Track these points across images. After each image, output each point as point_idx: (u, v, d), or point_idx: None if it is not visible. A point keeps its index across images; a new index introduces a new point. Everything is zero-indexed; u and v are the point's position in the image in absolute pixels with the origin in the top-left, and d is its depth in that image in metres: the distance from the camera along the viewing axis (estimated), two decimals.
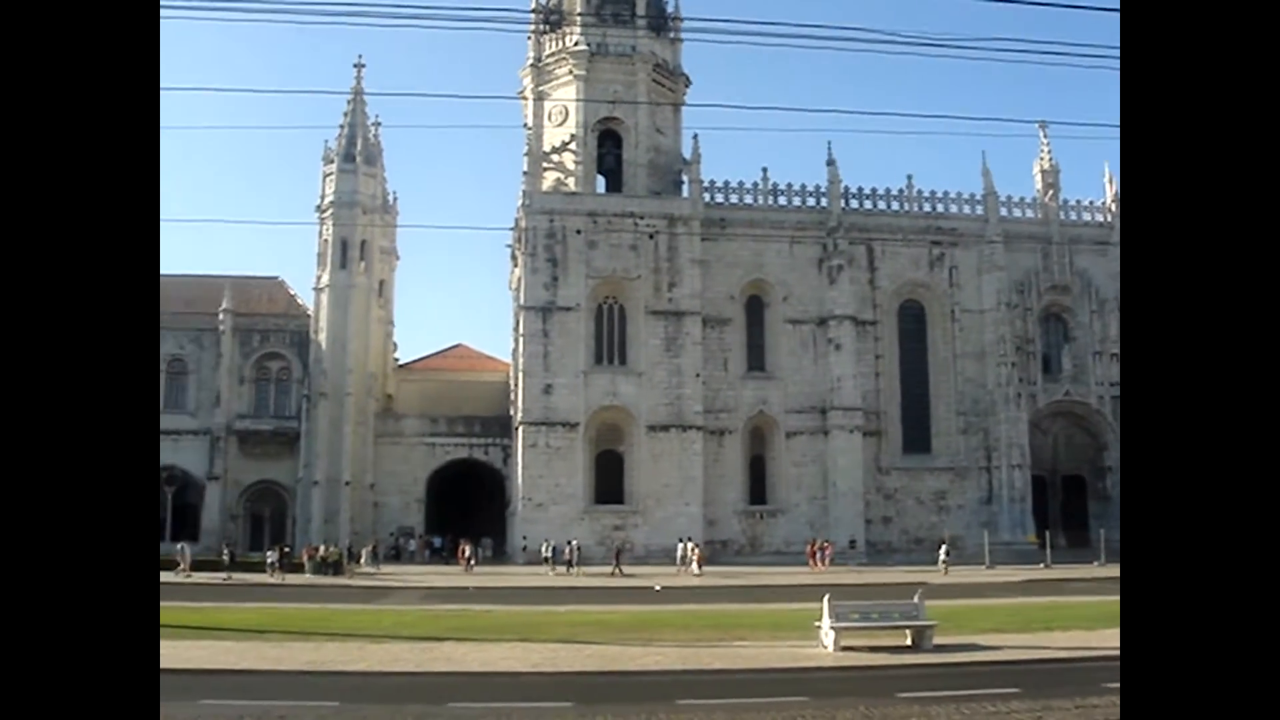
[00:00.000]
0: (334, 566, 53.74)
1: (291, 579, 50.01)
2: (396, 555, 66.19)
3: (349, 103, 75.73)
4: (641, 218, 67.62)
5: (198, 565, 52.62)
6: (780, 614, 30.13)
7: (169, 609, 32.24)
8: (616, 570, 54.20)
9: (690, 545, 56.92)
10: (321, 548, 57.65)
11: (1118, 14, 6.76)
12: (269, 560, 52.70)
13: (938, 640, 23.24)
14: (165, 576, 48.26)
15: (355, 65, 77.34)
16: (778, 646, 23.71)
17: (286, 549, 58.79)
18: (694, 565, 54.34)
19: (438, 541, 68.09)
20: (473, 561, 56.59)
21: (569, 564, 55.76)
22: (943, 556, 56.04)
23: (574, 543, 57.59)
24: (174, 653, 22.03)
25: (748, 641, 24.45)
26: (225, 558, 52.78)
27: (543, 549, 59.06)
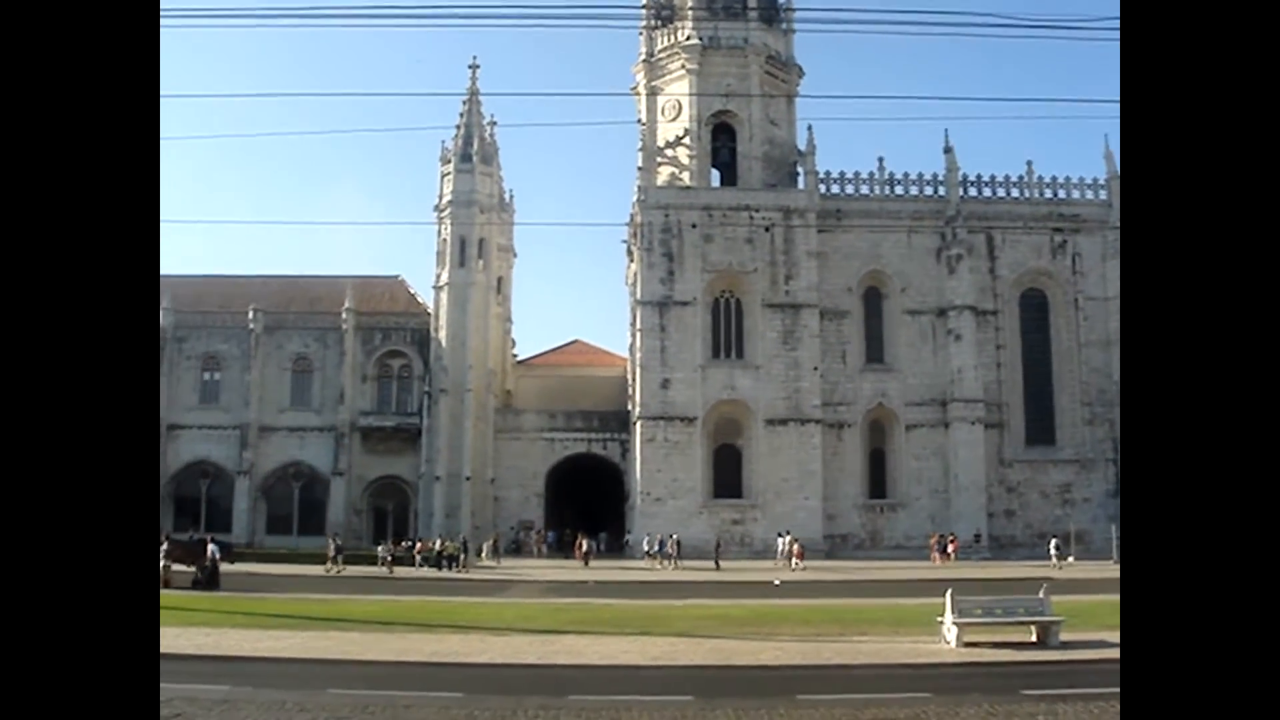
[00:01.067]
0: (450, 560, 54.35)
1: (400, 572, 50.70)
2: (517, 549, 66.87)
3: (464, 103, 76.61)
4: (757, 210, 67.33)
5: (320, 559, 53.41)
6: (901, 609, 29.78)
7: (300, 600, 33.21)
8: (715, 564, 54.24)
9: (789, 539, 56.76)
10: (436, 541, 58.34)
11: None
12: (380, 555, 53.53)
13: (1065, 636, 22.72)
14: (308, 570, 49.62)
15: (470, 66, 78.22)
16: (899, 642, 23.42)
17: (407, 543, 59.77)
18: (793, 560, 54.05)
19: (552, 536, 68.70)
20: (590, 555, 56.87)
21: (671, 558, 56.26)
22: (1053, 552, 55.05)
23: (675, 537, 57.96)
24: (303, 643, 22.62)
25: (868, 636, 24.20)
26: (331, 551, 53.49)
27: (645, 543, 59.38)
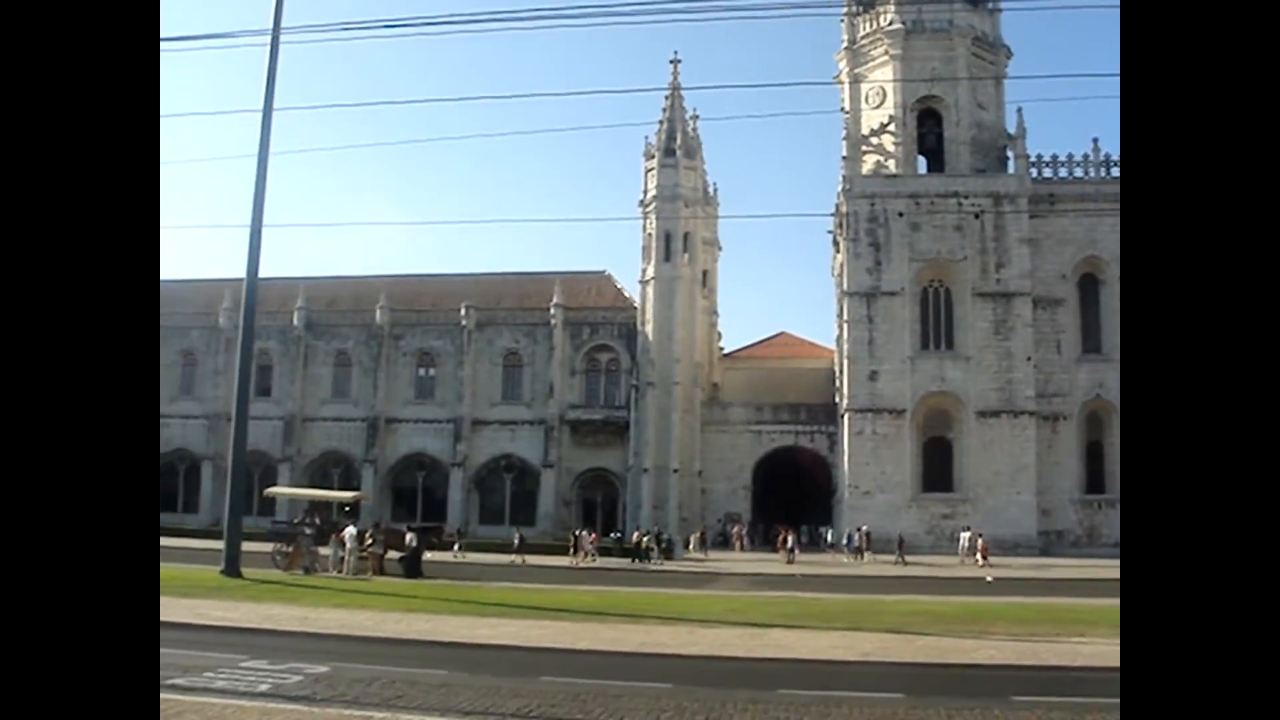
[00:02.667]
0: (642, 553, 54.85)
1: (600, 563, 51.47)
2: (724, 541, 66.97)
3: (666, 98, 77.08)
4: (965, 197, 65.74)
5: (530, 549, 54.61)
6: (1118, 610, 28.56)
7: (512, 590, 34.04)
8: (900, 559, 53.37)
9: (971, 535, 55.47)
10: (636, 534, 58.93)
11: None
12: (583, 545, 54.50)
13: None
14: (555, 560, 50.89)
15: (671, 61, 78.62)
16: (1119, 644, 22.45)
17: (615, 534, 60.62)
18: (978, 557, 52.61)
19: (754, 528, 68.67)
20: (794, 549, 56.54)
21: (859, 551, 56.25)
22: None
23: (863, 529, 57.93)
24: (517, 631, 23.16)
25: (1087, 638, 23.30)
26: (515, 541, 54.89)
27: (840, 537, 59.09)
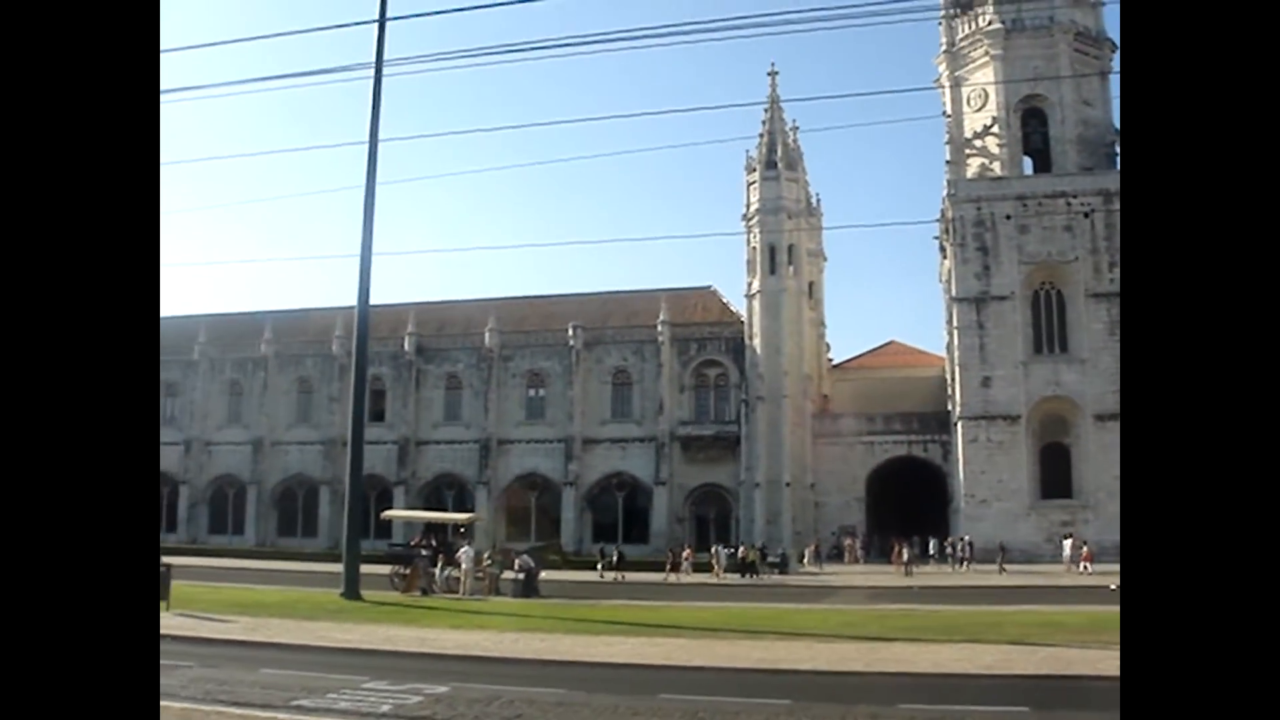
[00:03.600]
0: (747, 568, 54.83)
1: (676, 578, 51.44)
2: (839, 554, 66.30)
3: (766, 111, 76.88)
4: (1074, 197, 64.42)
5: (640, 567, 54.97)
6: None
7: (628, 607, 34.06)
8: (1000, 568, 52.48)
9: (1075, 542, 54.27)
10: (741, 548, 58.90)
11: None
12: (677, 562, 54.74)
13: None
14: (638, 577, 51.01)
15: (769, 74, 78.42)
16: None
17: (729, 549, 60.41)
18: (1082, 564, 51.31)
19: (869, 540, 67.96)
20: (911, 561, 55.63)
21: (964, 560, 55.95)
22: None
23: (966, 539, 57.59)
24: (633, 649, 23.16)
25: None
26: (613, 557, 55.45)
27: (950, 548, 58.38)
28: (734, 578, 52.94)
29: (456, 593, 40.23)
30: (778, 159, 75.66)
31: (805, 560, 61.50)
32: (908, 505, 70.29)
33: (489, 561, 43.07)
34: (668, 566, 53.60)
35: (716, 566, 54.09)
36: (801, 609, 34.08)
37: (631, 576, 52.46)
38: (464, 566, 41.24)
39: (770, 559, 57.65)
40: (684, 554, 57.11)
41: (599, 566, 54.48)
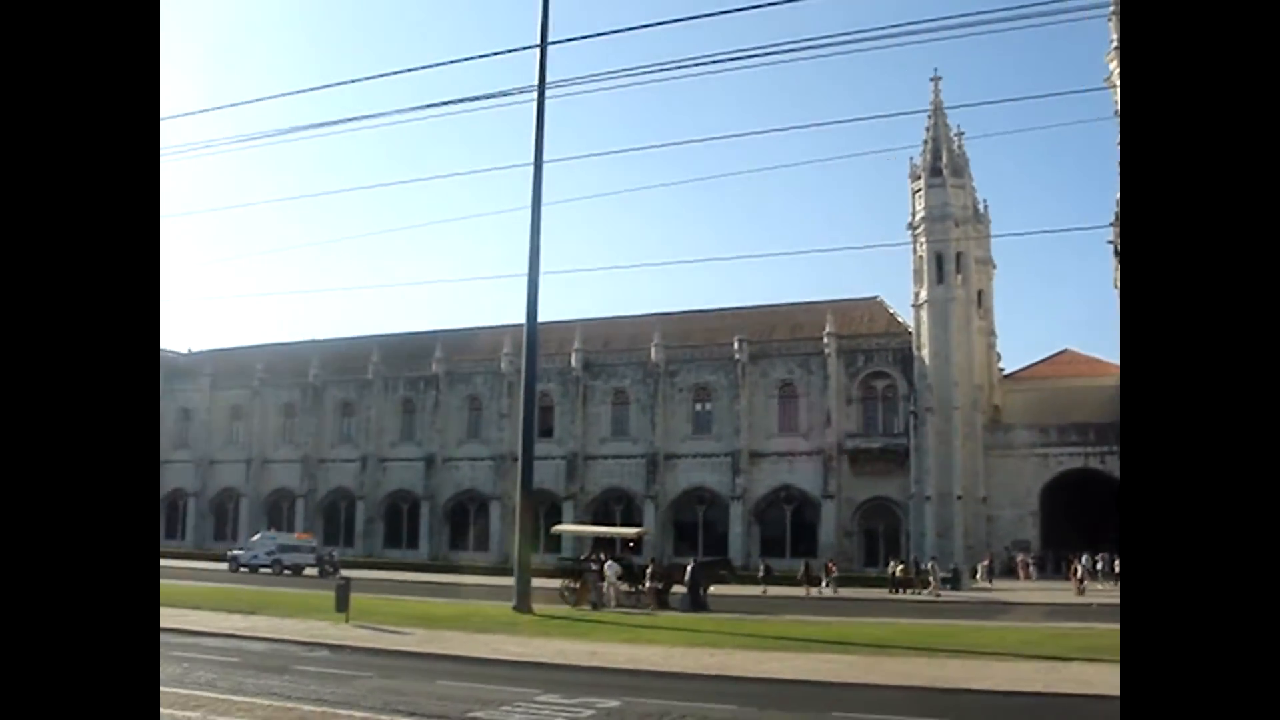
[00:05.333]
0: (900, 584, 54.21)
1: (817, 592, 50.89)
2: (1012, 570, 64.57)
3: (929, 117, 75.61)
4: None
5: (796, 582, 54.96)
6: None
7: (797, 623, 33.80)
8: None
9: None
10: (892, 563, 58.27)
11: None
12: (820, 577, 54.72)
13: None
14: (799, 592, 50.73)
15: (931, 79, 77.13)
16: None
17: (902, 564, 59.60)
18: None
19: (1041, 557, 66.07)
20: (1084, 578, 53.62)
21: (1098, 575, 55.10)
22: None
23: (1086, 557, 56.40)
24: (805, 665, 22.93)
25: None
26: (759, 571, 55.59)
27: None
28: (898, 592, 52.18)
29: (627, 607, 40.47)
30: (943, 165, 74.33)
31: (978, 575, 60.19)
32: (1084, 520, 67.92)
33: (652, 575, 43.28)
34: (803, 580, 53.65)
35: (934, 582, 54.01)
36: (976, 626, 33.28)
37: (774, 591, 53.01)
38: (608, 579, 41.51)
39: (941, 574, 56.79)
40: (828, 568, 57.10)
41: (760, 579, 54.81)
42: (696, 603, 40.68)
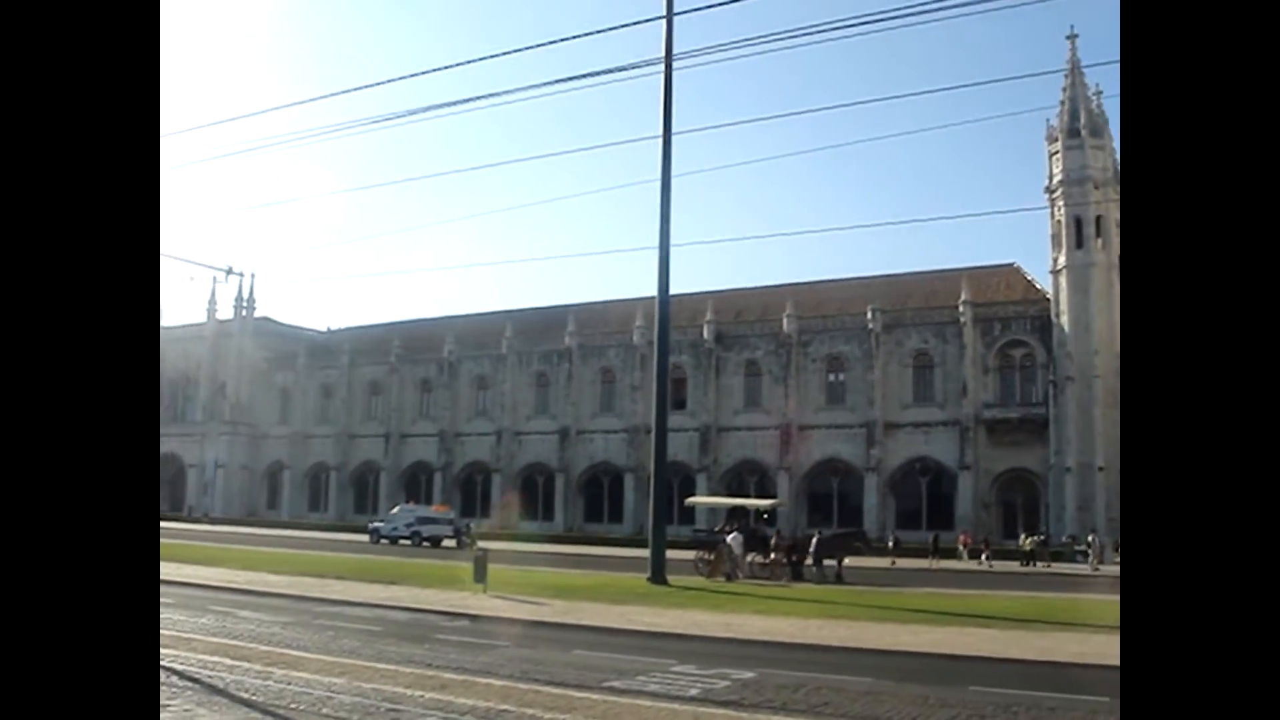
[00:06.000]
0: (1028, 557, 53.50)
1: (943, 564, 50.06)
2: None
3: (1066, 77, 73.26)
4: None
5: (948, 554, 54.53)
6: None
7: (933, 595, 33.38)
8: None
9: None
10: (1023, 536, 57.52)
11: None
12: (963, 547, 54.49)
13: None
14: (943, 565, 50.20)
15: (1068, 38, 74.85)
16: None
17: (1041, 537, 58.71)
18: None
19: None
20: None
21: None
22: None
23: None
24: (942, 639, 22.64)
25: None
26: (890, 543, 55.49)
27: None
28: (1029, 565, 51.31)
29: (760, 578, 40.45)
30: (1080, 126, 72.08)
31: (1119, 549, 58.86)
32: None
33: (775, 548, 43.31)
34: (932, 552, 53.48)
35: (1092, 556, 53.77)
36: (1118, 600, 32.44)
37: (903, 563, 53.27)
38: (734, 551, 41.51)
39: (1078, 548, 56.22)
40: (964, 540, 56.61)
41: (888, 551, 54.85)
42: (822, 575, 40.71)
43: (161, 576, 33.91)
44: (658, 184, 38.48)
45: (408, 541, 68.46)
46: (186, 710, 12.86)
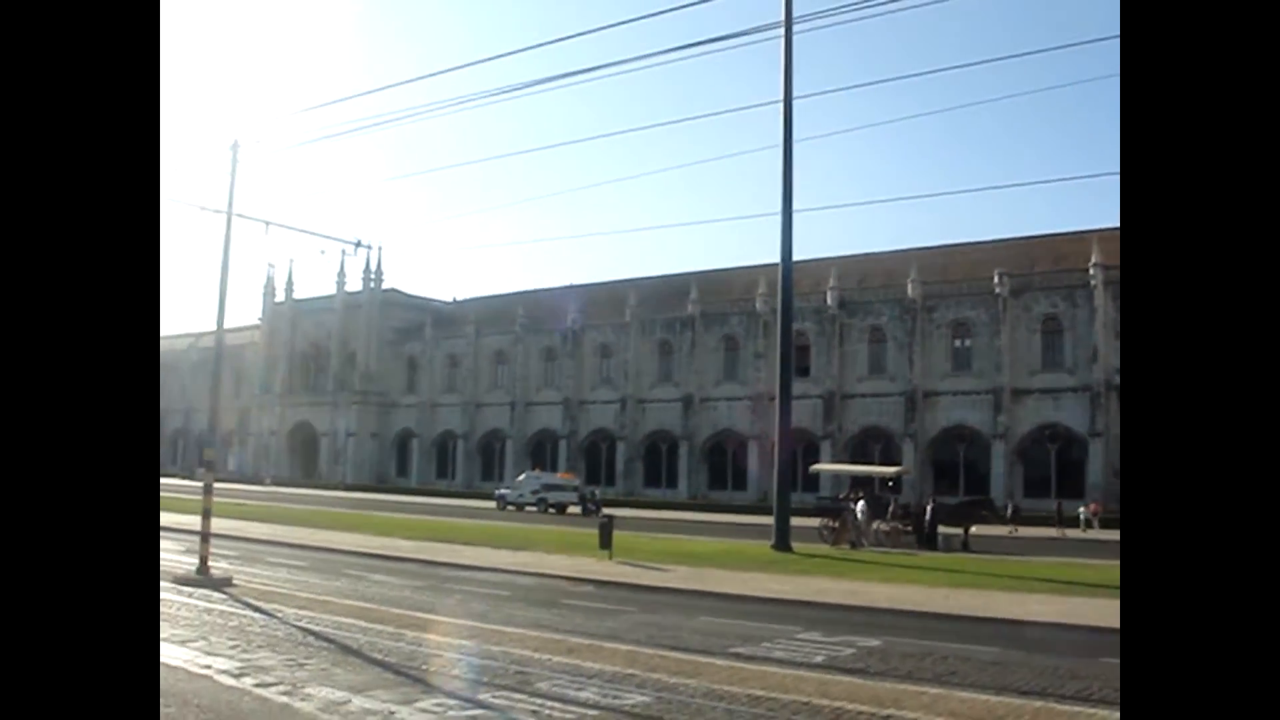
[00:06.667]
0: None
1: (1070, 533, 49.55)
2: None
3: None
4: None
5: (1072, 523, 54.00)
6: None
7: (1064, 564, 32.76)
8: None
9: None
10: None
11: None
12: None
13: None
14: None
15: None
16: None
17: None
18: None
19: None
20: None
21: None
22: None
23: None
24: (1073, 609, 22.21)
25: None
26: (1006, 511, 55.09)
27: None
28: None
29: (885, 546, 40.21)
30: None
31: None
32: None
33: (893, 516, 43.08)
34: (1057, 520, 53.20)
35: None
36: None
37: (1025, 531, 52.65)
38: (859, 519, 41.36)
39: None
40: (1093, 508, 55.87)
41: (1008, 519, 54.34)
42: (931, 541, 40.58)
43: (300, 541, 35.12)
44: (778, 149, 38.22)
45: (534, 508, 69.47)
46: (323, 669, 13.30)
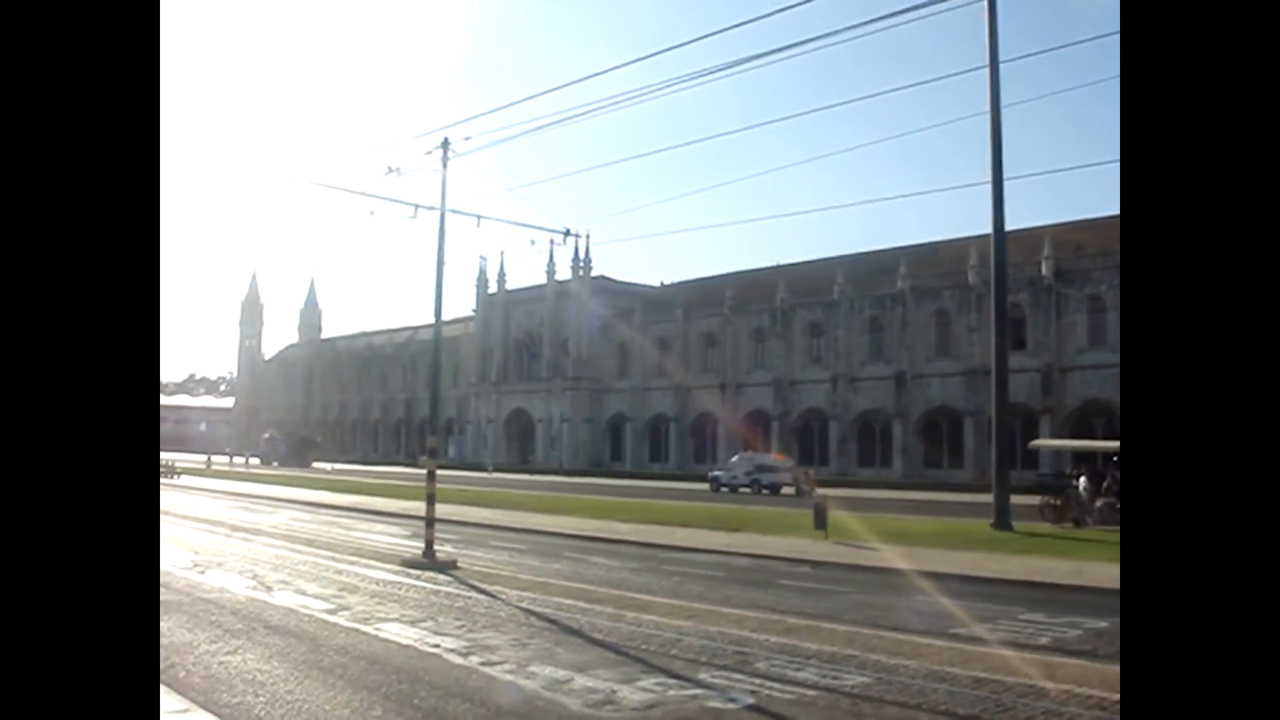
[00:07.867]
0: None
1: None
2: None
3: None
4: None
5: None
6: None
7: None
8: None
9: None
10: None
11: None
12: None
13: None
14: None
15: None
16: None
17: None
18: None
19: None
20: None
21: None
22: None
23: None
24: None
25: None
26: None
27: None
28: None
29: (1110, 524, 38.81)
30: None
31: None
32: None
33: (1107, 491, 41.41)
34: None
35: None
36: None
37: None
38: (1083, 496, 40.02)
39: None
40: None
41: None
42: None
43: (519, 525, 36.12)
44: (986, 117, 37.22)
45: (747, 489, 69.60)
46: (546, 649, 13.67)
